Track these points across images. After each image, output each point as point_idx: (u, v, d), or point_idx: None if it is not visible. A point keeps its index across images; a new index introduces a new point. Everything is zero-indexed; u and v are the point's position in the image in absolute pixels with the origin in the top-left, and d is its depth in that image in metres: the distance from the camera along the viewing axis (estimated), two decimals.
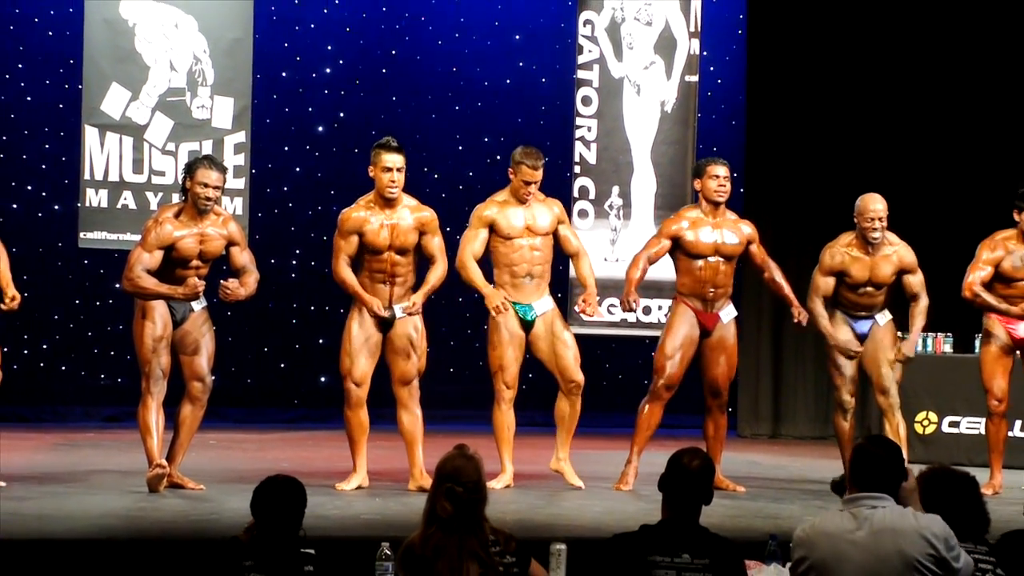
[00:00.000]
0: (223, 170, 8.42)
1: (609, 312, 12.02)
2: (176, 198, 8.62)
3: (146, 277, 8.14)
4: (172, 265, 8.23)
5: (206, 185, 8.19)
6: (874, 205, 8.89)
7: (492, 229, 8.73)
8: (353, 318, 8.50)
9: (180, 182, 8.46)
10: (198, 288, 8.21)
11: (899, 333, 9.21)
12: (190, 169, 8.27)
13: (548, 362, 8.81)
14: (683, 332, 8.89)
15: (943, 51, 12.90)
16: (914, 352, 9.19)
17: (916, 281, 9.05)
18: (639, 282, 8.81)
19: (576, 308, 9.10)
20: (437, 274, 8.51)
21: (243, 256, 8.46)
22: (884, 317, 9.08)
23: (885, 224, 8.92)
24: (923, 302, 9.05)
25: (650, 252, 8.92)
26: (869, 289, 9.01)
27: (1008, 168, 11.85)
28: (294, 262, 13.23)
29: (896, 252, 9.02)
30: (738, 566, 4.75)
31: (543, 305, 8.79)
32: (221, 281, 8.31)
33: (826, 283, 9.04)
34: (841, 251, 9.00)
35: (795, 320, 9.05)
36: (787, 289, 9.06)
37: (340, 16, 13.34)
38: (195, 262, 8.29)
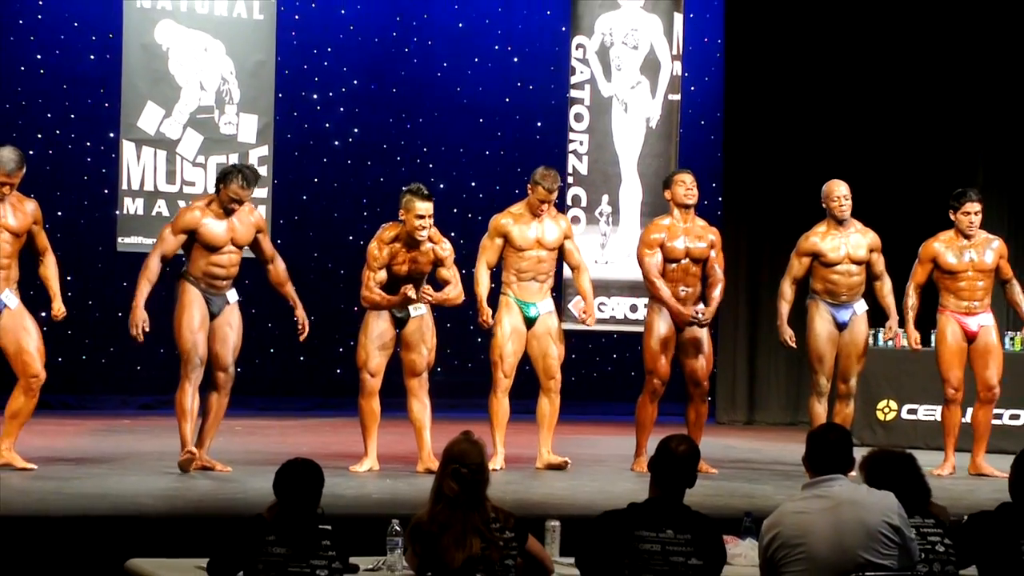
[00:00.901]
0: (255, 183, 8.39)
1: (599, 310, 12.01)
2: None
3: (152, 267, 8.12)
4: (207, 251, 8.20)
5: (232, 199, 8.17)
6: (838, 188, 8.99)
7: (506, 239, 8.76)
8: (371, 316, 8.51)
9: (215, 184, 8.39)
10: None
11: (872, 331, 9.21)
12: (225, 179, 8.21)
13: (536, 358, 8.86)
14: (662, 332, 8.90)
15: (912, 67, 12.88)
16: (899, 327, 9.22)
17: (881, 261, 9.08)
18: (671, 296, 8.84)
19: (577, 319, 9.38)
20: (456, 291, 8.50)
21: (268, 241, 8.54)
22: (862, 307, 9.07)
23: (850, 204, 8.96)
24: (888, 282, 9.10)
25: (656, 268, 8.85)
26: (849, 267, 8.98)
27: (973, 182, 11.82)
28: (312, 264, 13.19)
29: (865, 231, 9.05)
30: (717, 541, 4.75)
31: (546, 305, 8.84)
32: (301, 318, 8.52)
33: (800, 264, 9.05)
34: (815, 233, 9.03)
35: (695, 315, 8.85)
36: (716, 292, 8.89)
37: (355, 41, 13.31)
38: (229, 247, 8.26)
